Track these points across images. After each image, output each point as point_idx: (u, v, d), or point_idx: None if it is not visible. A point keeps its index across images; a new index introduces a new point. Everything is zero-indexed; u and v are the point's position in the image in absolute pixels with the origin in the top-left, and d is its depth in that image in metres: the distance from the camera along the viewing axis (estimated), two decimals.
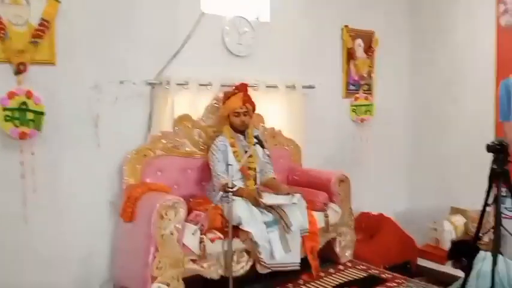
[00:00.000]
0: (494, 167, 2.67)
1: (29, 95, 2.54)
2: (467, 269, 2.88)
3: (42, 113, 2.57)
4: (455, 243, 3.34)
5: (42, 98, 2.61)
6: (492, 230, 2.66)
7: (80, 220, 2.88)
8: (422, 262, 4.14)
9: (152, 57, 3.11)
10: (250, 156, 3.08)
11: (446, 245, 4.15)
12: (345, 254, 3.58)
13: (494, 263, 2.59)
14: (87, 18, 2.84)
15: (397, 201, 4.80)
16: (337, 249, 3.53)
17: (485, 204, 2.73)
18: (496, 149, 2.64)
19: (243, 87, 3.22)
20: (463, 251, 3.03)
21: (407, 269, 3.95)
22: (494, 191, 2.68)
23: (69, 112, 2.80)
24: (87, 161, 2.89)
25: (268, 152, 3.25)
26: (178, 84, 3.12)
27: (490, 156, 2.63)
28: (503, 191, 2.67)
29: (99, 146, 2.92)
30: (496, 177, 2.67)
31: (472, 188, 2.77)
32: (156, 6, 3.12)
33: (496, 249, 2.62)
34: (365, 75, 4.45)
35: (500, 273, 2.67)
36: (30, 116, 2.53)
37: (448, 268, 3.86)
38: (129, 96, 3.02)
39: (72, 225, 2.85)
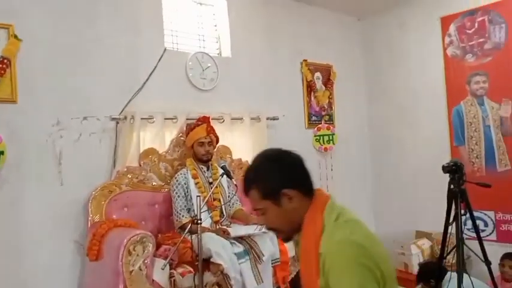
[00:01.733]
0: (452, 187, 2.80)
1: None
2: None
3: (1, 153, 2.50)
4: (422, 266, 3.41)
5: (2, 137, 2.55)
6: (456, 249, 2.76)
7: (44, 261, 2.76)
8: None
9: (116, 93, 3.11)
10: (216, 187, 3.09)
11: (415, 269, 4.24)
12: None
13: (460, 281, 2.67)
14: (49, 55, 2.83)
15: None
16: None
17: (446, 225, 2.84)
18: (452, 169, 2.77)
19: (205, 119, 3.27)
20: (431, 273, 3.10)
21: None
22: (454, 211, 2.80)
23: (31, 150, 2.74)
24: (50, 200, 2.80)
25: (235, 183, 3.27)
26: (143, 118, 3.13)
27: (447, 177, 2.74)
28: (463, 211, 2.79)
29: (63, 183, 2.86)
30: (454, 196, 2.79)
31: (434, 211, 2.85)
32: (119, 42, 3.15)
33: (460, 268, 2.70)
34: (325, 106, 4.61)
35: None
36: None
37: None
38: (93, 132, 3.00)
39: (36, 267, 2.73)
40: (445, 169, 2.80)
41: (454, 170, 2.77)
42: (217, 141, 3.30)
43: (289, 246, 3.28)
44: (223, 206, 3.20)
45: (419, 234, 4.50)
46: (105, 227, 2.71)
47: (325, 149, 4.56)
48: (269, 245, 3.02)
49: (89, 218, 2.86)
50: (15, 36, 2.63)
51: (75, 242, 2.88)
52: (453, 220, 2.79)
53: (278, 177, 1.45)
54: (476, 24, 4.11)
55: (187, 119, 3.34)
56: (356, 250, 1.28)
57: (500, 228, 4.07)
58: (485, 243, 2.90)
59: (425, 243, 4.33)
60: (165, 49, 3.35)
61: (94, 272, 2.72)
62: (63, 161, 2.86)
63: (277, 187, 1.43)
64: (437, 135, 4.42)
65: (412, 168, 4.65)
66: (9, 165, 2.60)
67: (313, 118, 4.53)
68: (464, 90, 4.21)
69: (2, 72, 2.55)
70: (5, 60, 2.57)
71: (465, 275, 2.76)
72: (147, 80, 3.23)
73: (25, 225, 2.70)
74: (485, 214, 4.12)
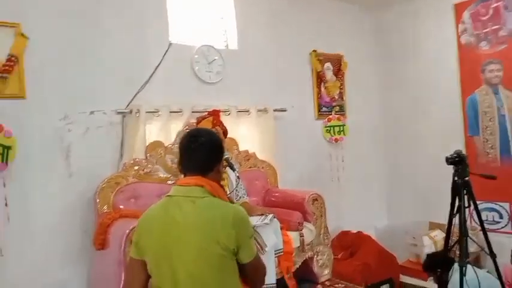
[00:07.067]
0: (456, 178, 2.76)
1: None
2: (443, 281, 2.92)
3: (9, 147, 2.61)
4: (430, 256, 3.38)
5: (12, 131, 2.65)
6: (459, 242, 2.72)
7: (55, 250, 2.88)
8: (404, 279, 4.16)
9: (122, 87, 3.18)
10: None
11: None
12: (324, 273, 3.59)
13: (462, 273, 2.64)
14: (56, 51, 2.91)
15: (376, 218, 4.86)
16: (315, 268, 3.55)
17: (450, 217, 2.81)
18: (455, 161, 2.73)
19: (214, 113, 3.30)
20: (438, 264, 3.07)
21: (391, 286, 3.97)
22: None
23: (40, 143, 2.84)
24: (59, 191, 2.91)
25: (238, 175, 3.30)
26: (148, 112, 3.20)
27: None
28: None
29: (71, 175, 2.96)
30: (457, 188, 2.75)
31: (448, 202, 2.82)
32: (125, 37, 3.21)
33: (463, 260, 2.67)
34: (336, 96, 4.57)
35: (470, 284, 2.71)
36: None
37: (430, 284, 3.89)
38: (99, 125, 3.08)
39: (47, 255, 2.84)
40: (448, 161, 2.76)
41: (458, 161, 2.73)
42: (225, 134, 3.33)
43: (294, 236, 3.31)
44: (229, 198, 3.23)
45: (433, 226, 4.44)
46: (110, 217, 2.80)
47: (336, 140, 4.54)
48: (272, 236, 3.03)
49: (97, 209, 2.95)
50: (23, 34, 2.72)
51: (84, 232, 2.99)
52: (457, 212, 2.76)
53: None
54: (490, 11, 3.99)
55: (192, 112, 3.39)
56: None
57: None
58: (500, 235, 2.87)
59: (438, 235, 4.27)
60: (170, 43, 3.40)
61: (100, 261, 2.82)
62: (71, 153, 2.96)
63: None
64: (451, 125, 4.33)
65: (425, 159, 4.57)
66: (19, 159, 2.70)
67: (323, 109, 4.50)
68: (478, 79, 4.10)
69: (10, 69, 2.65)
70: (13, 58, 2.66)
71: (470, 267, 2.73)
72: (152, 73, 3.29)
73: (35, 216, 2.82)
74: (500, 206, 4.02)
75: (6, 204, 2.66)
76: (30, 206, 2.80)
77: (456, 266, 2.90)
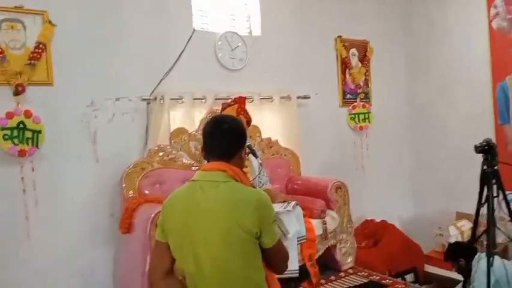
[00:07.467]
0: (485, 167, 2.69)
1: (28, 114, 2.66)
2: (466, 271, 2.87)
3: (39, 132, 2.68)
4: (452, 245, 3.34)
5: (41, 117, 2.73)
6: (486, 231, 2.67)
7: (82, 233, 2.96)
8: (429, 269, 4.11)
9: (147, 74, 3.21)
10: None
11: None
12: (346, 261, 3.58)
13: (489, 264, 2.59)
14: (82, 39, 2.96)
15: (402, 207, 4.79)
16: (338, 256, 3.54)
17: (478, 206, 2.75)
18: (485, 149, 2.66)
19: (240, 100, 3.29)
20: (460, 253, 3.02)
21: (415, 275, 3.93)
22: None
23: (67, 129, 2.91)
24: (86, 176, 2.98)
25: (260, 162, 3.31)
26: (172, 99, 3.23)
27: None
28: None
29: (98, 161, 3.02)
30: (486, 177, 2.68)
31: (476, 191, 2.76)
32: (150, 24, 3.23)
33: (490, 250, 2.62)
34: (361, 83, 4.50)
35: (497, 274, 2.66)
36: (28, 134, 2.65)
37: (456, 274, 3.82)
38: (125, 112, 3.13)
39: (74, 238, 2.93)
40: (477, 149, 2.70)
41: (487, 150, 2.67)
42: (249, 124, 3.32)
43: (317, 224, 3.30)
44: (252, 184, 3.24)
45: (460, 216, 4.35)
46: (136, 202, 2.86)
47: (361, 128, 4.48)
48: (294, 222, 3.03)
49: (123, 193, 3.02)
50: (50, 22, 2.77)
51: (110, 216, 3.06)
52: (485, 201, 2.70)
53: None
54: None
55: (215, 99, 3.40)
56: None
57: None
58: None
59: (466, 225, 4.18)
60: (193, 30, 3.40)
61: (127, 244, 2.89)
62: (97, 139, 3.02)
63: None
64: (481, 112, 4.20)
65: (453, 148, 4.45)
66: (47, 144, 2.78)
67: (348, 96, 4.44)
68: (510, 65, 3.96)
69: (38, 56, 2.70)
70: (41, 45, 2.72)
71: (497, 257, 2.68)
72: (176, 61, 3.31)
73: (63, 200, 2.89)
74: None
75: (34, 189, 2.75)
76: (58, 190, 2.88)
77: (479, 256, 2.85)
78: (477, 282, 2.69)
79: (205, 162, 1.77)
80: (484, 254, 2.72)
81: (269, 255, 1.65)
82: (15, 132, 2.61)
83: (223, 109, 3.26)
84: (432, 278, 4.05)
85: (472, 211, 4.16)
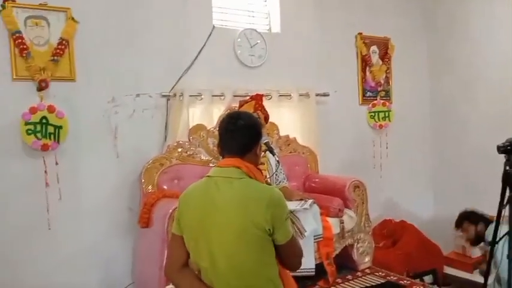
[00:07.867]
0: (507, 168, 2.62)
1: (51, 109, 2.72)
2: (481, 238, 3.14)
3: (61, 127, 2.74)
4: (467, 211, 3.42)
5: (64, 112, 2.79)
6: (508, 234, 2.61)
7: (102, 227, 3.03)
8: (449, 270, 4.05)
9: (167, 71, 3.25)
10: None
11: (474, 253, 4.06)
12: (364, 260, 3.55)
13: (510, 267, 2.53)
14: (104, 36, 3.01)
15: (421, 207, 4.72)
16: (355, 256, 3.51)
17: (500, 207, 2.68)
18: (507, 149, 2.59)
19: (257, 97, 3.31)
20: (477, 219, 3.22)
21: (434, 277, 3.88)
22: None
23: (89, 124, 2.97)
24: (107, 171, 3.04)
25: (278, 159, 3.31)
26: (191, 95, 3.25)
27: None
28: None
29: (118, 156, 3.08)
30: (509, 178, 2.62)
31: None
32: (169, 22, 3.27)
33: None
34: (382, 81, 4.45)
35: None
36: (50, 129, 2.71)
37: (476, 276, 3.76)
38: (145, 108, 3.18)
39: (95, 231, 3.00)
40: (500, 149, 2.63)
41: (510, 150, 2.60)
42: (266, 120, 3.33)
43: (334, 223, 3.29)
44: (269, 182, 3.25)
45: None
46: (154, 197, 2.90)
47: (380, 126, 4.42)
48: (311, 221, 3.03)
49: (142, 188, 3.06)
50: (73, 19, 2.83)
51: (130, 210, 3.11)
52: (507, 203, 2.64)
53: None
54: None
55: (234, 96, 3.41)
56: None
57: None
58: None
59: None
60: (213, 27, 3.42)
61: (145, 238, 2.93)
62: (118, 135, 3.07)
63: None
64: (505, 111, 4.10)
65: (476, 147, 4.36)
66: (70, 139, 2.84)
67: (368, 94, 4.40)
68: None
69: (61, 52, 2.77)
70: (64, 42, 2.78)
71: None
72: (196, 57, 3.33)
73: (84, 194, 2.96)
74: None
75: (58, 182, 2.81)
76: (80, 184, 2.95)
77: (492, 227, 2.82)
78: (503, 273, 2.63)
79: (221, 158, 1.79)
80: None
81: (282, 252, 1.65)
82: (38, 127, 2.68)
83: (240, 106, 3.27)
84: (451, 280, 3.99)
85: (493, 212, 4.13)
